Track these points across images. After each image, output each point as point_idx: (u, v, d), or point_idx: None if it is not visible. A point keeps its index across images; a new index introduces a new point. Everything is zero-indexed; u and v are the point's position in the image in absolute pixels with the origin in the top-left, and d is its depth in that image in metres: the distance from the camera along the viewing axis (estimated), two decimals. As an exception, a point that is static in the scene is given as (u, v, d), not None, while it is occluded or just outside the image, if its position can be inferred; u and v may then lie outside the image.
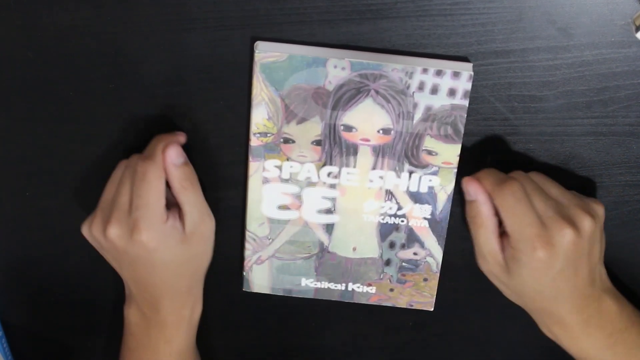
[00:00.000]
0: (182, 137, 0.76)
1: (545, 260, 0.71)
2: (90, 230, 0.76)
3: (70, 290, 0.86)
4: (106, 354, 0.90)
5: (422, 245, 0.79)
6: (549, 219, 0.72)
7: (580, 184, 0.78)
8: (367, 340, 0.88)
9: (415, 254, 0.80)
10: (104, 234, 0.74)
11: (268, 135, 0.76)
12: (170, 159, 0.73)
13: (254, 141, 0.76)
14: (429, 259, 0.80)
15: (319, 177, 0.77)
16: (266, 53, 0.72)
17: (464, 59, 0.73)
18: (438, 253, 0.80)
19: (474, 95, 0.74)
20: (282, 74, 0.73)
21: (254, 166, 0.77)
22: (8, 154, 0.79)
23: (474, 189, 0.73)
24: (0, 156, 0.80)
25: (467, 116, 0.74)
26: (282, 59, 0.72)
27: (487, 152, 0.76)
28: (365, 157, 0.76)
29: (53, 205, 0.81)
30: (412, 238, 0.79)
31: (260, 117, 0.75)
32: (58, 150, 0.79)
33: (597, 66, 0.73)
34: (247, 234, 0.80)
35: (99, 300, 0.86)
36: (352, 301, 0.83)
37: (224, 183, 0.80)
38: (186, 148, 0.78)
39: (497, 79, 0.74)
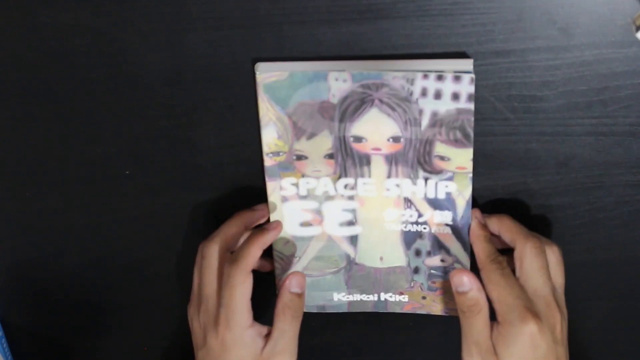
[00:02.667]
0: (271, 226, 0.78)
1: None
2: (189, 312, 0.78)
3: (70, 290, 0.86)
4: (106, 354, 0.90)
5: (447, 251, 0.78)
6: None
7: (580, 186, 0.78)
8: (367, 340, 0.88)
9: (442, 260, 0.78)
10: (198, 318, 0.76)
11: (280, 154, 0.75)
12: (290, 286, 0.76)
13: (268, 161, 0.76)
14: (457, 265, 0.78)
15: (336, 190, 0.77)
16: (267, 73, 0.72)
17: (464, 55, 0.73)
18: (465, 260, 0.78)
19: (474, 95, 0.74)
20: (285, 92, 0.73)
21: (271, 186, 0.77)
22: (8, 154, 0.79)
23: (468, 279, 0.73)
24: (0, 156, 0.80)
25: (467, 116, 0.74)
26: (284, 78, 0.72)
27: (488, 153, 0.76)
28: (378, 166, 0.75)
29: (53, 205, 0.81)
30: (436, 245, 0.78)
31: (270, 137, 0.75)
32: (58, 150, 0.79)
33: (597, 66, 0.73)
34: (275, 253, 0.80)
35: (98, 300, 0.86)
36: (386, 311, 0.82)
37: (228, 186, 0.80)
38: (185, 148, 0.78)
39: (497, 79, 0.74)
